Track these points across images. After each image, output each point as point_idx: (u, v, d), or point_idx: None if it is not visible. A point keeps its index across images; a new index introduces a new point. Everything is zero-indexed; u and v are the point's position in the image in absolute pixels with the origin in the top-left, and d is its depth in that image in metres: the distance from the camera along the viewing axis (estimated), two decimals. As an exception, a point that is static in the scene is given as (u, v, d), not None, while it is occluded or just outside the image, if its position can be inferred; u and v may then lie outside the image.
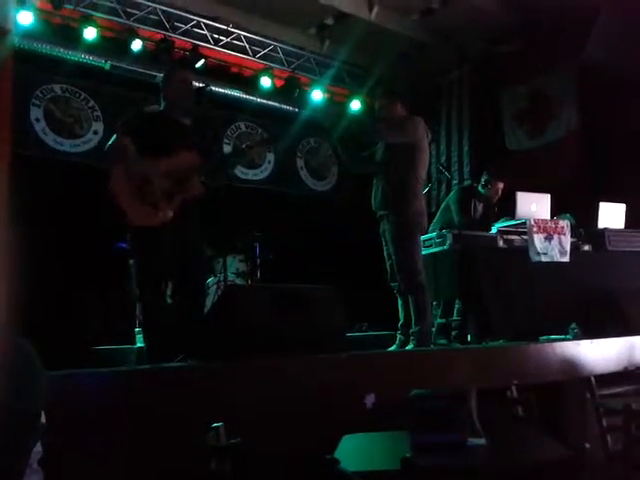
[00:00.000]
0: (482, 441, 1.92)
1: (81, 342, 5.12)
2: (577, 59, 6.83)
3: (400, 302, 4.37)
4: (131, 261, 5.07)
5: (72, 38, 6.63)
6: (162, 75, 3.93)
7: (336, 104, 8.52)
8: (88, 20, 6.53)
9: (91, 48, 6.78)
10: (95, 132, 7.03)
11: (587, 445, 1.69)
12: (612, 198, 5.50)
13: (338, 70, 8.24)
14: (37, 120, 6.68)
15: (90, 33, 6.54)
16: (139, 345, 4.90)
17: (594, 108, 6.78)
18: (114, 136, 3.55)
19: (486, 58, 7.97)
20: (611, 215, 5.40)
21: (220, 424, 1.90)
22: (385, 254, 4.36)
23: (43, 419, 1.87)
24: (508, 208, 5.02)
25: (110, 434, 2.34)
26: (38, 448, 1.81)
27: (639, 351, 4.18)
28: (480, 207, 5.49)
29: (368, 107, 8.26)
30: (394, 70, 7.84)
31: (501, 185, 5.58)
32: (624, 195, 5.62)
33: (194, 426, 2.12)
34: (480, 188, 5.61)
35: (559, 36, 6.93)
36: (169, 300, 3.60)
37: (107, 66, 7.07)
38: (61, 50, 6.75)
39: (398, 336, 4.36)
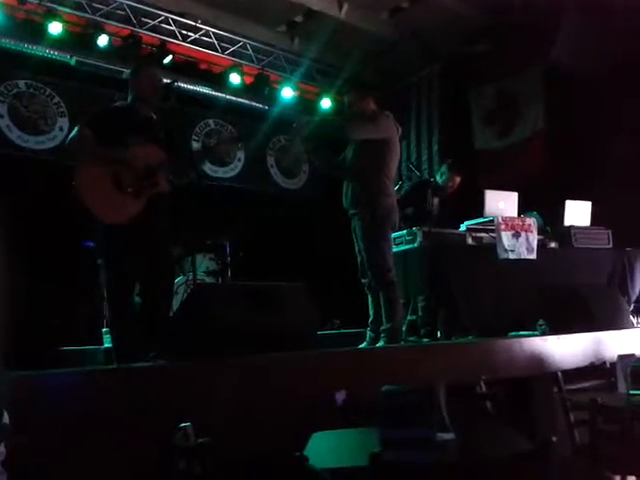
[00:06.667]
0: (451, 436, 1.93)
1: (48, 342, 5.03)
2: (543, 60, 6.95)
3: (370, 299, 4.37)
4: (99, 260, 5.00)
5: (37, 33, 6.50)
6: (129, 71, 3.88)
7: (305, 108, 8.48)
8: (53, 15, 6.40)
9: (56, 43, 6.65)
10: (60, 128, 6.90)
11: (554, 439, 1.70)
12: (578, 196, 5.59)
13: (308, 68, 8.23)
14: (1, 116, 6.54)
15: (55, 28, 6.41)
16: (107, 345, 4.83)
17: (560, 109, 6.90)
18: (76, 128, 3.49)
19: (455, 58, 8.04)
20: (577, 213, 5.49)
21: (188, 424, 1.88)
22: (356, 250, 4.36)
23: (6, 419, 1.83)
24: (476, 206, 5.06)
25: (77, 435, 2.30)
26: (1, 449, 1.77)
27: (605, 346, 4.25)
28: (436, 201, 5.51)
29: (338, 105, 8.27)
30: (364, 68, 7.86)
31: (458, 179, 5.62)
32: (589, 193, 5.71)
33: (163, 426, 2.10)
34: (438, 177, 5.66)
35: (526, 38, 7.02)
36: (137, 299, 3.55)
37: (73, 61, 6.94)
38: (25, 45, 6.60)
39: (368, 333, 4.36)
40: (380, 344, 4.13)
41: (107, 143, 3.41)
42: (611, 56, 6.13)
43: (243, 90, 8.02)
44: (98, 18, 6.67)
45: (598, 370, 3.97)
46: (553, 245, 5.29)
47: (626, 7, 6.06)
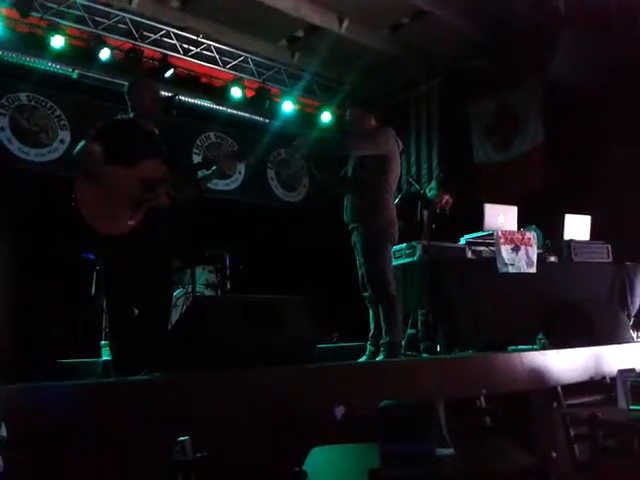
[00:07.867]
0: (450, 451, 1.92)
1: (46, 355, 5.01)
2: (543, 74, 6.97)
3: (371, 312, 4.37)
4: (97, 272, 5.00)
5: (39, 46, 6.56)
6: (127, 85, 3.89)
7: (305, 122, 8.53)
8: (55, 28, 6.46)
9: (58, 56, 6.71)
10: (61, 141, 6.93)
11: (554, 454, 1.70)
12: (577, 210, 5.59)
13: (309, 82, 8.29)
14: (2, 129, 6.57)
15: (57, 41, 6.47)
16: (105, 358, 4.82)
17: (559, 122, 6.91)
18: (82, 141, 3.51)
19: (455, 72, 8.09)
20: (576, 227, 5.48)
21: (187, 438, 1.87)
22: (357, 265, 4.36)
23: (4, 431, 1.82)
24: (475, 219, 5.06)
25: (75, 448, 2.29)
26: (-1, 461, 1.76)
27: (605, 361, 4.23)
28: (425, 214, 5.49)
29: (338, 119, 8.31)
30: (364, 83, 7.91)
31: (446, 197, 5.57)
32: (589, 207, 5.72)
33: (161, 440, 2.09)
34: (427, 191, 5.66)
35: (525, 52, 7.06)
36: (136, 312, 3.55)
37: (75, 75, 6.99)
38: (28, 58, 6.66)
39: (368, 347, 4.34)
40: (379, 358, 4.12)
41: (112, 157, 3.42)
42: (611, 68, 6.15)
43: (244, 104, 8.08)
44: (100, 32, 6.73)
45: (598, 385, 3.95)
46: (553, 259, 5.28)
47: (626, 17, 6.09)
